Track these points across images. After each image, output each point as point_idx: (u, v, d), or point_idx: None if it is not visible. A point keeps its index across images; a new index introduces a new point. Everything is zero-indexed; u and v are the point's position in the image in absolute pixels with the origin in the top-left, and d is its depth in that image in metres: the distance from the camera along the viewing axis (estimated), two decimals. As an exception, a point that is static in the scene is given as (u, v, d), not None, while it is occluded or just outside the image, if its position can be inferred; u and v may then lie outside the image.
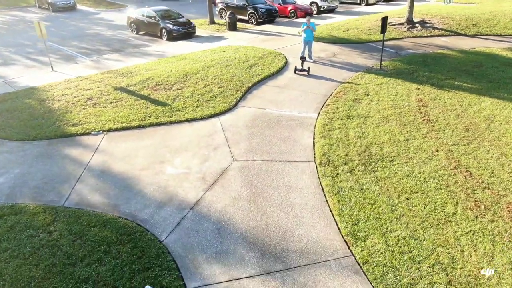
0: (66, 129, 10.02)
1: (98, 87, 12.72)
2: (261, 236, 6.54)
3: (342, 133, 9.97)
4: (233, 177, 8.15)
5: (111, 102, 11.61)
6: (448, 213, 7.06)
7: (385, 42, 19.06)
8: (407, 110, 11.28)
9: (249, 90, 12.90)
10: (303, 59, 14.50)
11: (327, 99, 12.21)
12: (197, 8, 30.04)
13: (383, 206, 7.25)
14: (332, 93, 12.71)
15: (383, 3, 32.87)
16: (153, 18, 20.49)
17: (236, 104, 11.78)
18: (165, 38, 20.10)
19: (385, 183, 7.95)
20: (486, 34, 20.47)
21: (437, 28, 21.24)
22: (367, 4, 31.55)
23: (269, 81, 13.72)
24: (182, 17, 21.27)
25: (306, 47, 15.55)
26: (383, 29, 14.53)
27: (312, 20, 15.83)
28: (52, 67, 14.90)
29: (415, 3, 22.11)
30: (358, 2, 32.03)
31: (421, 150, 9.21)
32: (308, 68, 14.38)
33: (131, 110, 11.09)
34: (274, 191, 7.73)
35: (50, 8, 29.78)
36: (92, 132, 9.91)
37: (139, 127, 10.27)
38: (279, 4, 26.37)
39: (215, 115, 11.01)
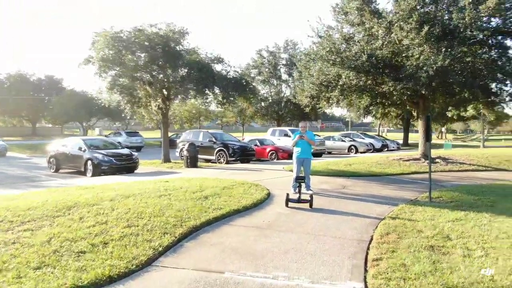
0: None
1: None
2: None
3: None
4: None
5: None
6: None
7: (409, 175, 13.41)
8: None
9: (193, 231, 6.02)
10: (300, 179, 8.12)
11: (368, 248, 5.39)
12: (159, 154, 24.74)
13: None
14: (372, 236, 5.95)
15: (373, 152, 28.92)
16: (78, 148, 14.48)
17: (152, 260, 4.73)
18: (90, 174, 13.58)
19: None
20: (532, 169, 15.22)
21: (465, 163, 15.98)
22: (357, 152, 27.41)
23: (238, 219, 6.97)
24: (122, 148, 15.43)
25: (302, 168, 9.39)
26: (428, 136, 8.78)
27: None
28: None
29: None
30: (347, 151, 27.94)
31: None
32: (311, 196, 7.85)
33: None
34: None
35: (-31, 154, 23.76)
36: None
37: None
38: (256, 145, 21.47)
39: (77, 290, 3.84)
